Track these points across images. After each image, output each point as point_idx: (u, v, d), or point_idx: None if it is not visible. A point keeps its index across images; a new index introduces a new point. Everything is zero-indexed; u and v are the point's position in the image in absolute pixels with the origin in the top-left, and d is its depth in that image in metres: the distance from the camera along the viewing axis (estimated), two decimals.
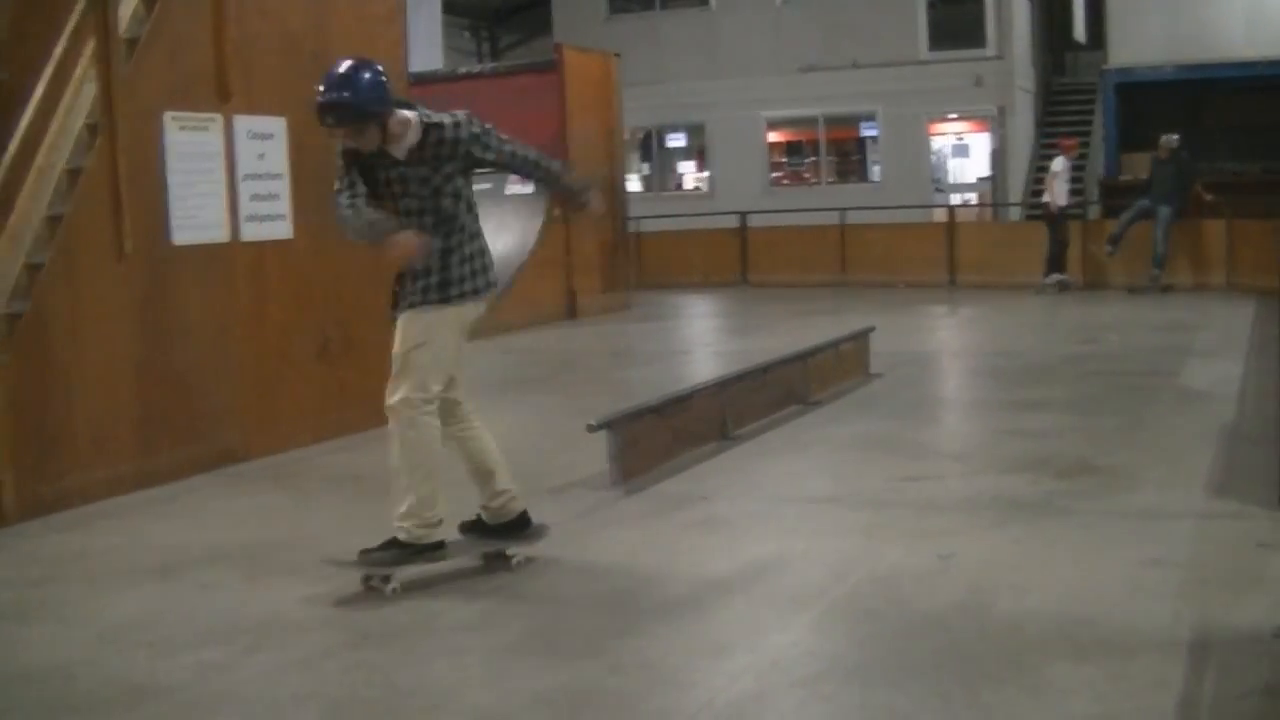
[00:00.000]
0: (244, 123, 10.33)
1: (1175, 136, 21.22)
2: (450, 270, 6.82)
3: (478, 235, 7.01)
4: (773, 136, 32.50)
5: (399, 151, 6.75)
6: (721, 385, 10.50)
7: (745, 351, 13.93)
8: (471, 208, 6.99)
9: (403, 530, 6.78)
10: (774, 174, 32.36)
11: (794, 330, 15.49)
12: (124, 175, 9.45)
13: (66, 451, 8.97)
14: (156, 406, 9.58)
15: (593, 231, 20.95)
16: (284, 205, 10.66)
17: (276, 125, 10.59)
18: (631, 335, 18.54)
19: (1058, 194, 21.35)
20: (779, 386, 11.08)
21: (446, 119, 6.79)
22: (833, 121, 31.71)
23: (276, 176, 10.59)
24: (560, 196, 7.93)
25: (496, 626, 6.27)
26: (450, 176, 6.82)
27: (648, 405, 9.47)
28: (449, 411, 7.03)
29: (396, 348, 6.89)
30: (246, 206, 10.34)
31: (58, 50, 9.66)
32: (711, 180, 32.41)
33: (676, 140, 33.82)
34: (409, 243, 6.68)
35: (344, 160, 6.91)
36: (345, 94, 6.59)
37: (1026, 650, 5.59)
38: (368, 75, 6.66)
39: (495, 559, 7.16)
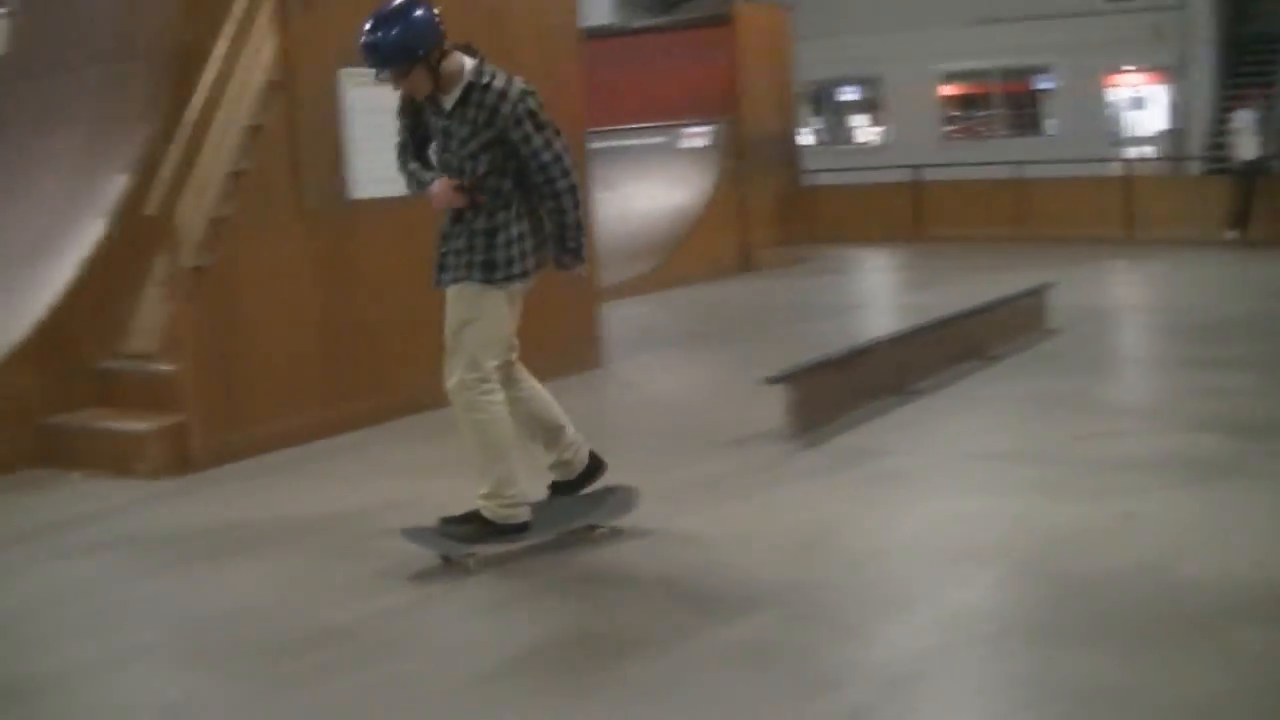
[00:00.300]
0: None
1: None
2: (495, 252, 6.41)
3: (528, 214, 6.50)
4: (946, 90, 32.16)
5: (447, 102, 6.38)
6: (899, 339, 10.43)
7: (921, 306, 13.79)
8: (523, 182, 6.45)
9: (486, 509, 6.54)
10: (947, 127, 32.02)
11: (969, 285, 15.27)
12: (303, 131, 9.61)
13: (252, 401, 9.15)
14: (339, 357, 9.73)
15: (768, 186, 20.90)
16: None
17: None
18: (806, 289, 18.42)
19: (1242, 148, 20.86)
20: (957, 341, 10.95)
21: (497, 82, 6.31)
22: (1007, 74, 31.30)
23: None
24: (557, 245, 6.62)
25: (674, 574, 6.28)
26: (488, 145, 6.32)
27: (825, 359, 9.42)
28: (506, 376, 6.75)
29: (448, 325, 6.58)
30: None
31: (238, 9, 9.77)
32: (885, 134, 32.17)
33: (850, 94, 33.58)
34: (441, 193, 6.42)
35: (400, 106, 6.64)
36: (381, 33, 6.21)
37: (1215, 613, 5.44)
38: (412, 13, 6.23)
39: (580, 533, 6.84)
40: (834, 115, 33.87)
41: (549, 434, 6.95)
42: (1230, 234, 20.53)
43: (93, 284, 9.70)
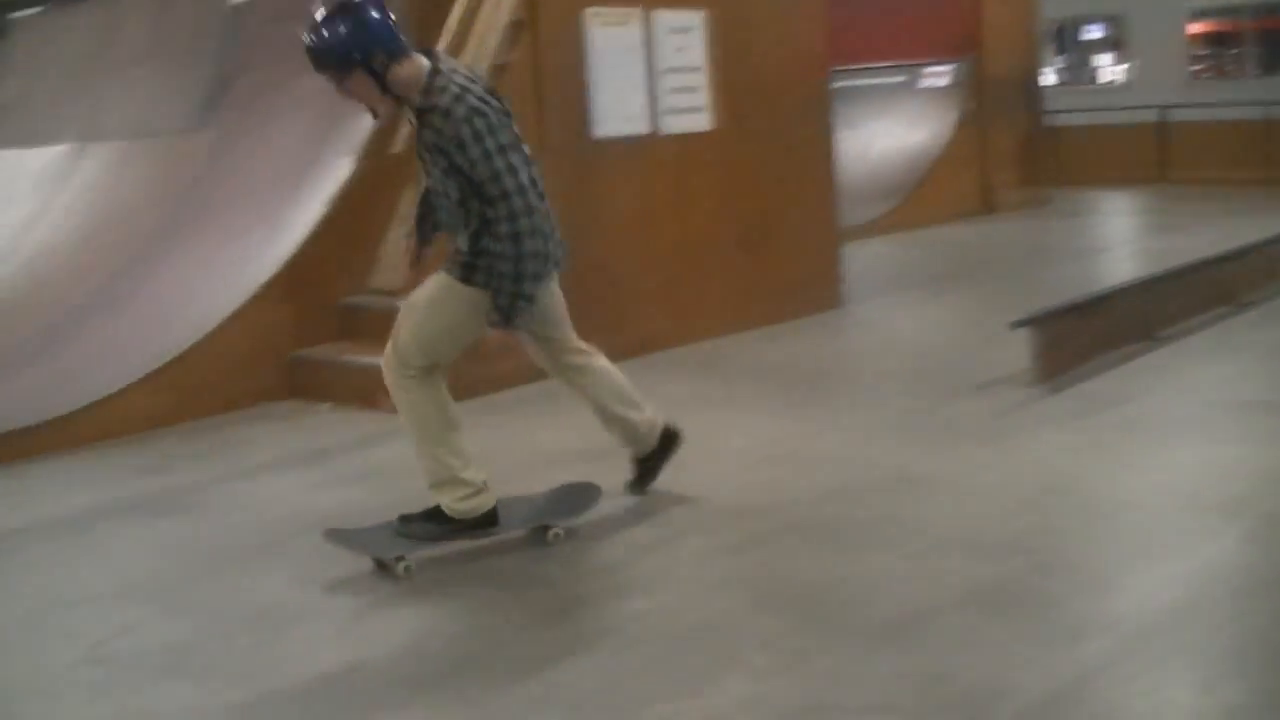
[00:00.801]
0: (663, 17, 10.41)
1: None
2: (477, 258, 5.87)
3: (521, 236, 5.75)
4: (1195, 27, 31.31)
5: (412, 116, 5.90)
6: (1147, 284, 10.19)
7: (1167, 250, 13.46)
8: (523, 193, 5.75)
9: (445, 504, 6.03)
10: (1194, 66, 31.19)
11: (1218, 229, 14.87)
12: (547, 70, 9.68)
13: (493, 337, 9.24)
14: (585, 292, 9.79)
15: (1009, 126, 20.57)
16: (703, 98, 10.72)
17: (695, 19, 10.64)
18: (1049, 231, 18.10)
19: None
20: (1207, 287, 10.66)
21: (443, 100, 5.70)
22: (1259, 10, 30.34)
23: (695, 69, 10.65)
24: (494, 296, 5.91)
25: (916, 519, 6.24)
26: (449, 171, 5.80)
27: (1071, 303, 9.26)
28: (555, 358, 6.53)
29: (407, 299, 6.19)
30: (666, 99, 10.45)
31: None
32: (1129, 73, 31.43)
33: (1093, 32, 32.85)
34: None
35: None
36: (316, 35, 5.68)
37: None
38: (354, 14, 5.68)
39: (536, 533, 6.25)
40: (1077, 54, 33.16)
41: (626, 408, 6.63)
42: None
43: (339, 222, 9.90)
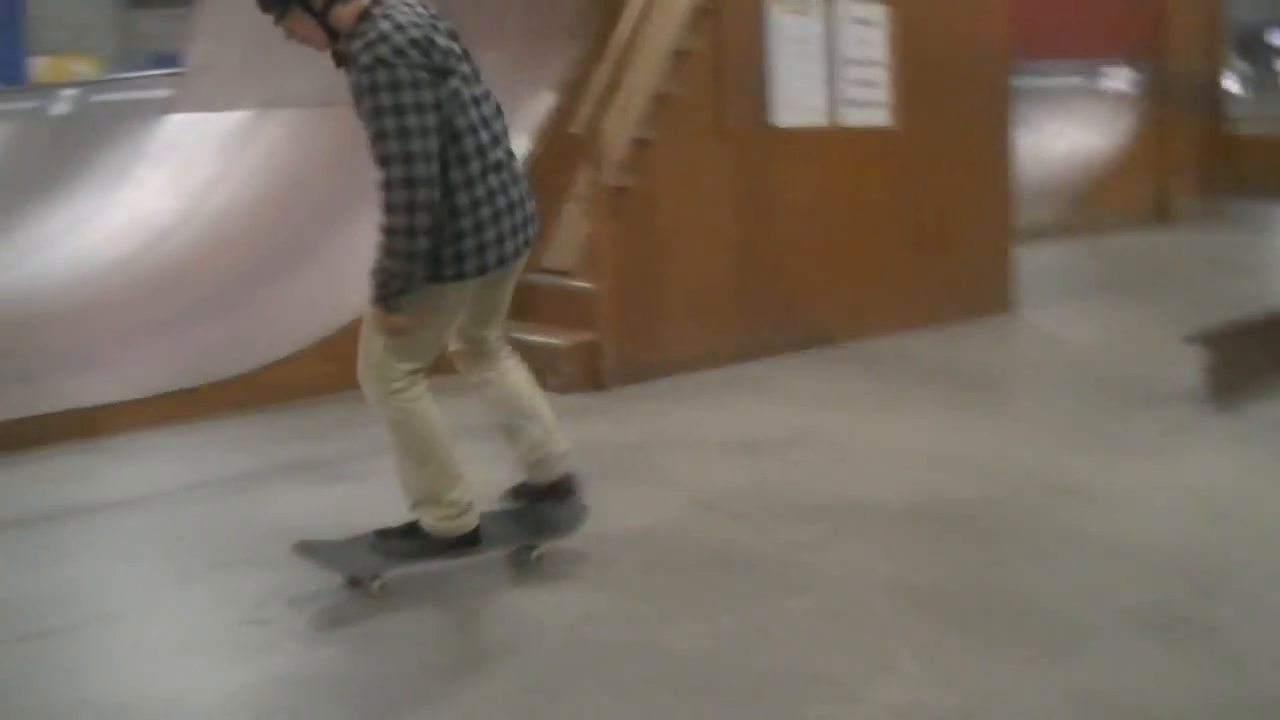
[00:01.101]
0: (847, 8, 10.37)
1: None
2: (440, 248, 5.16)
3: (480, 204, 5.18)
4: None
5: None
6: None
7: None
8: (464, 164, 5.13)
9: (425, 521, 5.57)
10: None
11: None
12: (729, 57, 9.68)
13: (664, 322, 9.33)
14: (754, 283, 9.82)
15: (1189, 133, 20.22)
16: (883, 93, 10.67)
17: (878, 12, 10.59)
18: (1227, 244, 17.77)
19: None
20: None
21: (356, 44, 5.04)
22: None
23: (876, 64, 10.60)
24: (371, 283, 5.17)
25: (1079, 532, 6.17)
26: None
27: (1250, 320, 9.08)
28: (477, 354, 5.82)
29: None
30: (846, 92, 10.41)
31: None
32: None
33: None
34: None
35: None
36: None
37: None
38: None
39: (517, 554, 5.85)
40: (1263, 59, 32.58)
41: (522, 419, 5.84)
42: None
43: None
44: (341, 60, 5.17)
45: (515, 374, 5.87)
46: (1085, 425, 8.02)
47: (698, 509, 6.58)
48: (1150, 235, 18.39)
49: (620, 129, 9.35)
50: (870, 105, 10.61)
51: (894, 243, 10.79)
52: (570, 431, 7.48)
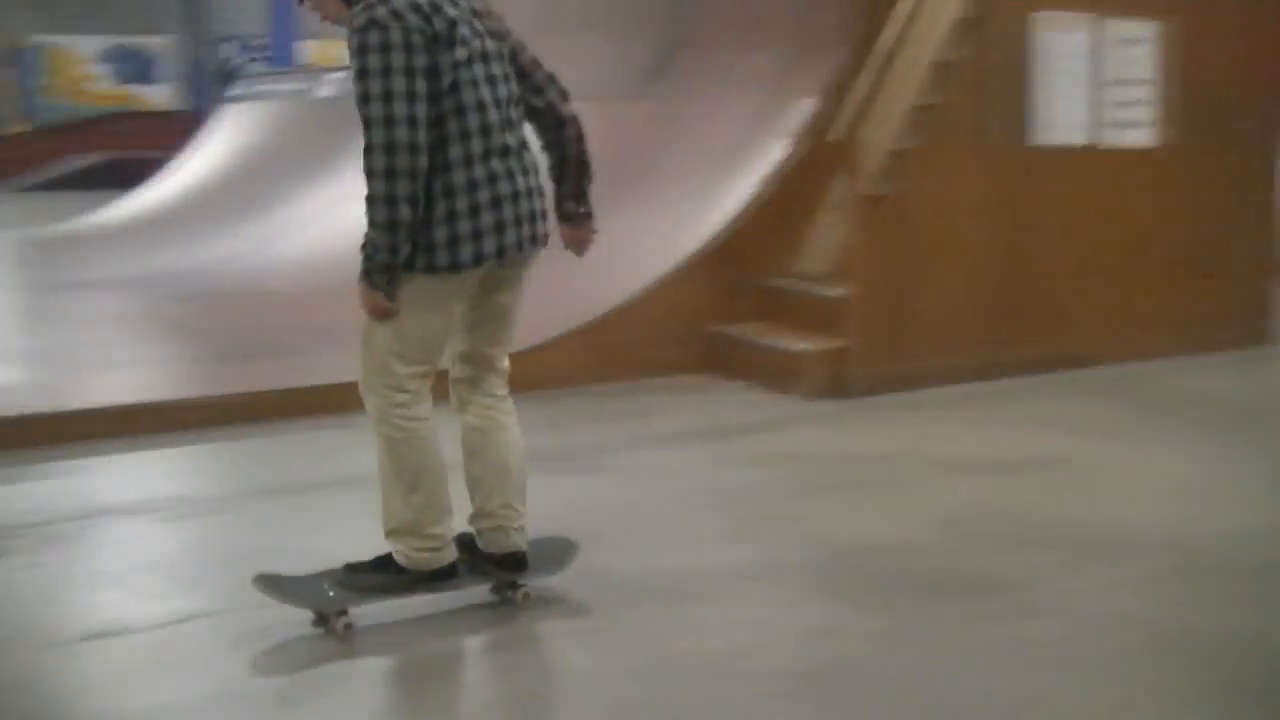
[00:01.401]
0: (1114, 26, 10.26)
1: None
2: (432, 231, 4.88)
3: (478, 186, 4.92)
4: None
5: None
6: None
7: None
8: (465, 141, 4.90)
9: (399, 552, 5.17)
10: None
11: None
12: (991, 71, 9.64)
13: (913, 334, 9.33)
14: (1006, 300, 9.76)
15: None
16: (1147, 112, 10.53)
17: (1147, 30, 10.45)
18: None
19: None
20: None
21: (364, 13, 4.78)
22: None
23: (1143, 83, 10.46)
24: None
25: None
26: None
27: None
28: (475, 386, 5.36)
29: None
30: (1109, 112, 10.30)
31: None
32: None
33: None
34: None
35: None
36: None
37: None
38: None
39: (501, 591, 5.47)
40: None
41: (486, 479, 5.35)
42: None
43: (770, 203, 10.07)
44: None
45: (507, 434, 5.37)
46: None
47: (944, 526, 6.55)
48: None
49: (879, 138, 9.37)
50: (1134, 125, 10.47)
51: (1154, 266, 10.61)
52: (814, 438, 7.56)
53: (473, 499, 5.34)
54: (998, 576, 5.90)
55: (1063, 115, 10.03)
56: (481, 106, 4.92)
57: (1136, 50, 10.41)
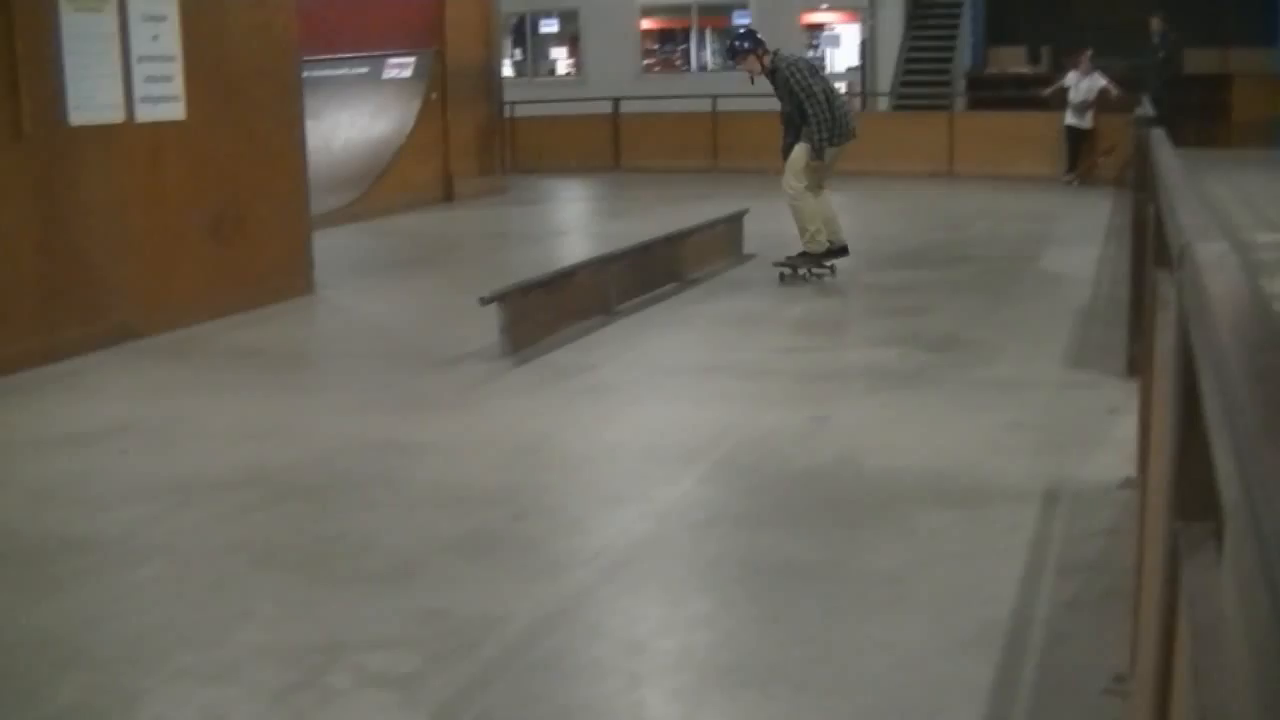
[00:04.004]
0: (137, 4, 10.48)
1: None
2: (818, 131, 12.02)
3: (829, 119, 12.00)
4: (645, 24, 32.75)
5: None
6: (604, 262, 10.93)
7: (621, 234, 14.22)
8: (830, 102, 12.11)
9: (807, 246, 12.20)
10: (645, 60, 32.64)
11: (669, 214, 15.84)
12: (21, 57, 9.61)
13: None
14: (57, 283, 9.80)
15: (469, 117, 21.20)
16: (177, 87, 10.84)
17: (169, 7, 10.75)
18: (509, 218, 18.87)
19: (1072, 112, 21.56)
20: (659, 265, 11.53)
21: (785, 63, 12.32)
22: (705, 10, 32.03)
23: (169, 59, 10.76)
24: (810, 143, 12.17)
25: (404, 481, 6.69)
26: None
27: (536, 280, 9.88)
28: (817, 186, 12.32)
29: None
30: (141, 88, 10.52)
31: None
32: (583, 66, 32.64)
33: (549, 26, 33.96)
34: None
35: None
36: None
37: (897, 500, 6.10)
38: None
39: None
40: (534, 47, 34.22)
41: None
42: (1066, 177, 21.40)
43: None
44: (769, 74, 12.32)
45: (828, 196, 12.55)
46: (395, 389, 8.56)
47: (36, 501, 6.63)
48: (438, 214, 19.27)
49: None
50: (166, 100, 10.74)
51: (192, 234, 10.95)
52: None
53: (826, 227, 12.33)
54: (98, 534, 6.08)
55: (97, 95, 10.15)
56: (826, 91, 12.19)
57: (162, 26, 10.66)
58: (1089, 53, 21.42)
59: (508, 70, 30.67)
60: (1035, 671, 4.39)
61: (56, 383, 9.12)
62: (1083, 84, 21.21)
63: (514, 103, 25.08)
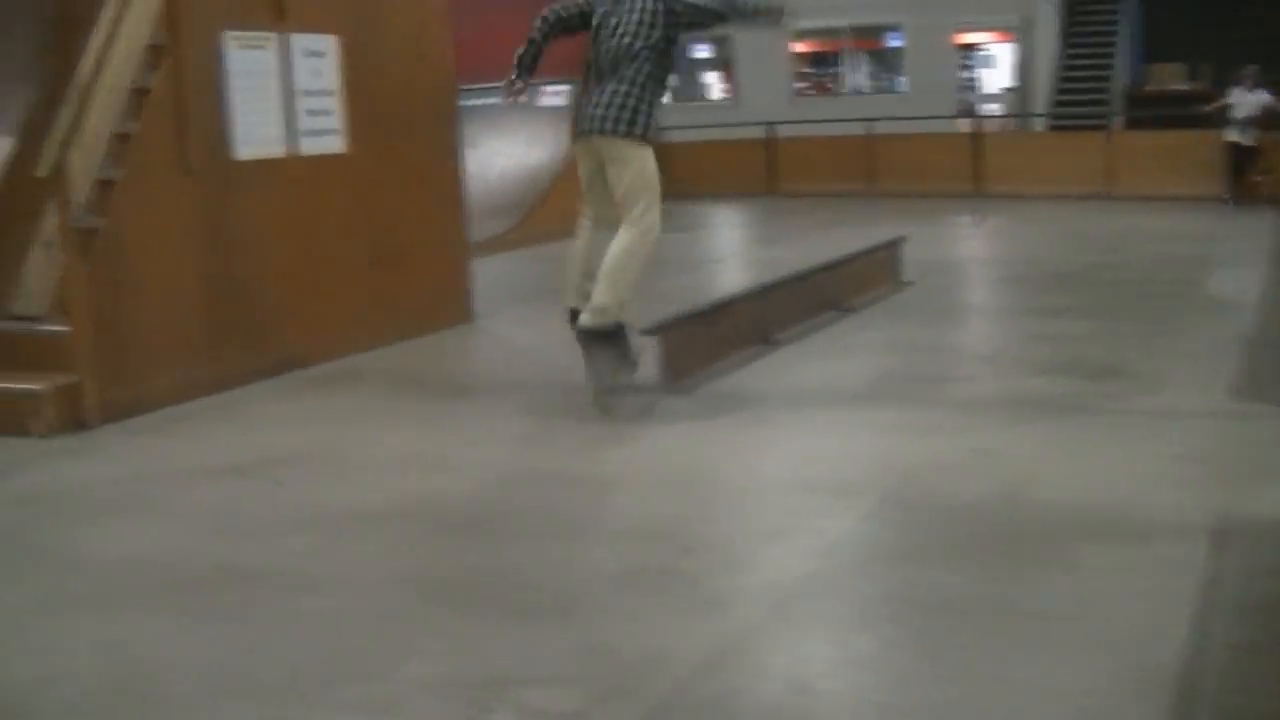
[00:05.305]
0: (298, 40, 10.68)
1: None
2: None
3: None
4: (798, 47, 32.69)
5: None
6: (763, 291, 10.90)
7: (778, 260, 14.24)
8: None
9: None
10: (798, 84, 32.58)
11: (824, 239, 15.86)
12: (187, 93, 9.83)
13: (141, 359, 9.35)
14: (223, 314, 9.99)
15: None
16: (338, 120, 11.02)
17: (328, 43, 10.92)
18: (664, 244, 18.56)
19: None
20: (817, 293, 11.47)
21: None
22: (858, 32, 31.92)
23: (329, 93, 10.94)
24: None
25: (567, 513, 6.74)
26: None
27: (694, 310, 9.88)
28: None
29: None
30: (303, 121, 10.71)
31: None
32: (736, 90, 32.64)
33: (702, 51, 34.01)
34: None
35: None
36: None
37: (1061, 535, 5.99)
38: None
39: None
40: (687, 72, 34.29)
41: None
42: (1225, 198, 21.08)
43: None
44: None
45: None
46: (557, 419, 8.59)
47: (197, 532, 6.77)
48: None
49: (87, 169, 9.40)
50: (326, 134, 10.92)
51: (355, 265, 11.11)
52: (58, 475, 7.63)
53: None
54: (258, 565, 6.21)
55: (260, 129, 10.35)
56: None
57: (322, 61, 10.85)
58: (1255, 68, 21.06)
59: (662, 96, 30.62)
60: (1209, 719, 4.33)
61: (221, 412, 9.31)
62: (1248, 99, 20.88)
63: (668, 128, 25.06)
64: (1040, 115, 27.65)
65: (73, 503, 7.43)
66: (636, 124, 8.56)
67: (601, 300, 8.34)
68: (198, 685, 4.91)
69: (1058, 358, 9.77)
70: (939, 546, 5.95)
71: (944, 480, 6.91)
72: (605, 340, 8.39)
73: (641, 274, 8.37)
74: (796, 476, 7.14)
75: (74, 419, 8.99)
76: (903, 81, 31.34)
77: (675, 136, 25.00)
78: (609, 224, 8.73)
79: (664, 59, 8.76)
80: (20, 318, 9.78)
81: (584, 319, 8.44)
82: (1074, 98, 27.16)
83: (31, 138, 9.88)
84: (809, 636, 5.14)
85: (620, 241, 8.49)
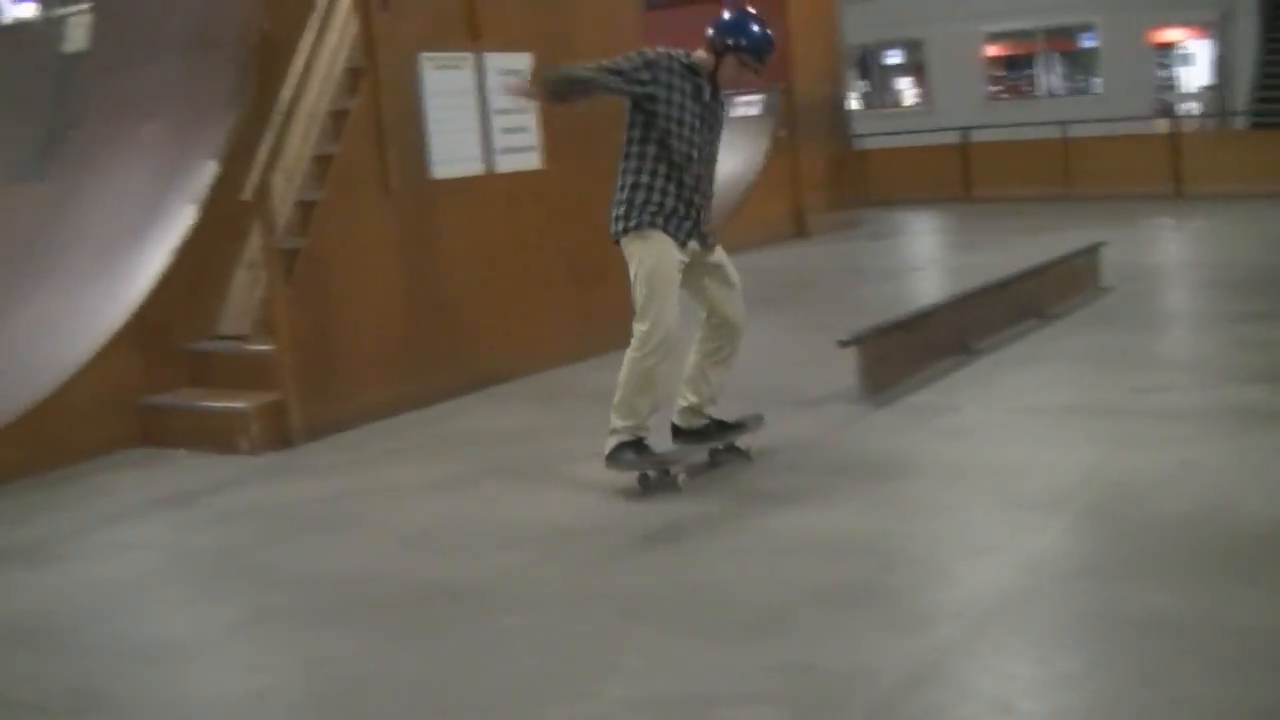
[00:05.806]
0: (494, 60, 10.78)
1: None
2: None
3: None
4: (991, 50, 32.39)
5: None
6: (961, 300, 10.78)
7: (976, 267, 14.09)
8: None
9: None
10: (992, 87, 32.26)
11: (1022, 245, 15.63)
12: (386, 114, 9.99)
13: (343, 376, 9.56)
14: (423, 331, 10.13)
15: (819, 151, 21.23)
16: (533, 138, 11.12)
17: (524, 61, 11.01)
18: (862, 252, 18.77)
19: None
20: (1016, 301, 11.31)
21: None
22: (1051, 34, 31.53)
23: (526, 111, 11.03)
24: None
25: (770, 528, 6.73)
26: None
27: (892, 321, 9.80)
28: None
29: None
30: (499, 139, 10.82)
31: (320, 1, 10.18)
32: (929, 95, 32.40)
33: (894, 57, 33.83)
34: None
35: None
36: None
37: (1269, 551, 5.85)
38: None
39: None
40: (880, 78, 34.15)
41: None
42: None
43: (187, 267, 10.06)
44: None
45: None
46: (757, 433, 8.54)
47: (406, 548, 6.91)
48: (791, 250, 19.31)
49: (289, 191, 9.60)
50: (525, 150, 11.03)
51: (551, 282, 11.22)
52: (270, 489, 7.79)
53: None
54: (468, 582, 6.30)
55: (458, 148, 10.48)
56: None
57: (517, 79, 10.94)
58: None
59: (855, 103, 30.61)
60: None
61: (423, 428, 9.45)
62: None
63: (863, 135, 25.01)
64: (1241, 113, 27.00)
65: (278, 519, 7.59)
66: (619, 219, 7.96)
67: (612, 423, 7.54)
68: (405, 704, 4.99)
69: (1265, 364, 9.49)
70: (1144, 561, 5.83)
71: (1150, 492, 6.78)
72: (629, 464, 7.50)
73: (658, 382, 7.59)
74: (998, 489, 7.05)
75: (279, 436, 9.20)
76: (1098, 82, 30.88)
77: (870, 144, 24.92)
78: (711, 323, 8.33)
79: (632, 135, 8.15)
80: (227, 337, 10.01)
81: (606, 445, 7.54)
82: (1276, 94, 26.49)
83: (236, 162, 10.07)
84: (1012, 654, 5.06)
85: (625, 358, 7.69)
